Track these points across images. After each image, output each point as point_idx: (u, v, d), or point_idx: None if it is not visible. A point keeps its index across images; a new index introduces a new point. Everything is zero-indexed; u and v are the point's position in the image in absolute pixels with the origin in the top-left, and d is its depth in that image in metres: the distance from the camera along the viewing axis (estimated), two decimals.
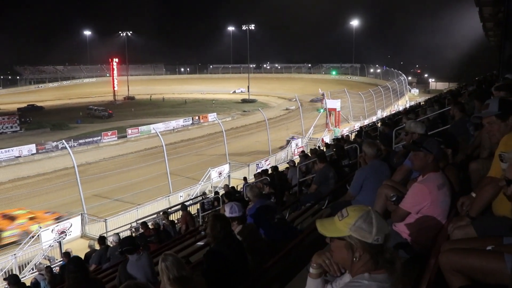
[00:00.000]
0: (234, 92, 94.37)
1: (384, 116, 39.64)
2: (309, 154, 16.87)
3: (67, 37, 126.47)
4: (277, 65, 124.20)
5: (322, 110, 46.33)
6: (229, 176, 26.22)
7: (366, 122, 40.51)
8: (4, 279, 10.52)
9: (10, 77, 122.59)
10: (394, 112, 38.09)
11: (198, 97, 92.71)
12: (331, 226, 2.24)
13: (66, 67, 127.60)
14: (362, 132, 17.23)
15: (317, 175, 9.11)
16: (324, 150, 17.33)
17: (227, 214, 4.92)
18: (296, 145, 33.87)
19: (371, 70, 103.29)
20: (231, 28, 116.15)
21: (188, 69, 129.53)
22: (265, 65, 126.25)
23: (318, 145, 31.39)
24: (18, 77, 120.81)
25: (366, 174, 5.64)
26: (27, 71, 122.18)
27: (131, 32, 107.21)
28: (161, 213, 16.71)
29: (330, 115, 43.66)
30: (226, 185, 19.29)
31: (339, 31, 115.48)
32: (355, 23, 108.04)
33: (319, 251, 2.49)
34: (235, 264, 4.28)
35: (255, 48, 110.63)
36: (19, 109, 71.03)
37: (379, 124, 18.72)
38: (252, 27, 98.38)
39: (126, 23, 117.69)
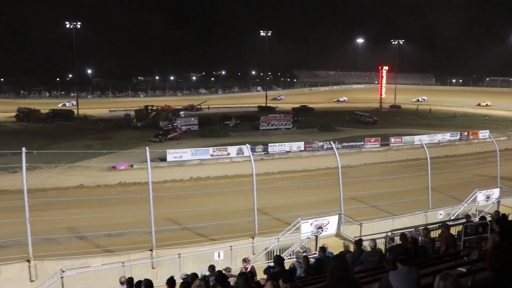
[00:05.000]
0: None
1: None
2: None
3: (341, 44, 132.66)
4: None
5: None
6: (498, 201, 23.55)
7: None
8: (274, 256, 11.61)
9: (288, 79, 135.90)
10: None
11: (469, 111, 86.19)
12: None
13: (337, 73, 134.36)
14: None
15: None
16: None
17: None
18: None
19: None
20: None
21: (460, 80, 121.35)
22: None
23: None
24: (295, 80, 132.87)
25: None
26: (303, 75, 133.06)
27: (403, 40, 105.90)
28: (419, 228, 16.07)
29: None
30: (497, 211, 17.34)
31: None
32: None
33: None
34: None
35: None
36: (293, 108, 78.41)
37: None
38: None
39: (399, 31, 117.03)
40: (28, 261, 14.77)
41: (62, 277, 14.17)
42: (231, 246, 17.02)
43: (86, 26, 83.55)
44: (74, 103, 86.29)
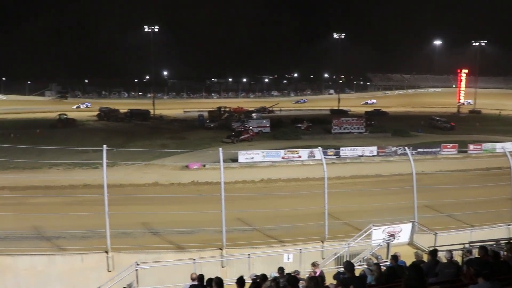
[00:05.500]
0: None
1: None
2: None
3: (417, 46, 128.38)
4: None
5: None
6: None
7: None
8: (345, 262, 11.41)
9: (361, 82, 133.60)
10: None
11: None
12: None
13: (413, 76, 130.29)
14: None
15: None
16: None
17: None
18: None
19: None
20: None
21: None
22: None
23: None
24: (368, 83, 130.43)
25: None
26: (377, 78, 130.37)
27: (485, 41, 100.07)
28: (501, 242, 15.17)
29: None
30: None
31: None
32: None
33: None
34: None
35: None
36: (366, 112, 76.93)
37: None
38: None
39: (480, 32, 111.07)
40: (106, 252, 15.51)
41: (137, 269, 14.77)
42: (300, 249, 16.95)
43: (163, 30, 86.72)
44: (89, 105, 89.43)
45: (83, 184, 29.46)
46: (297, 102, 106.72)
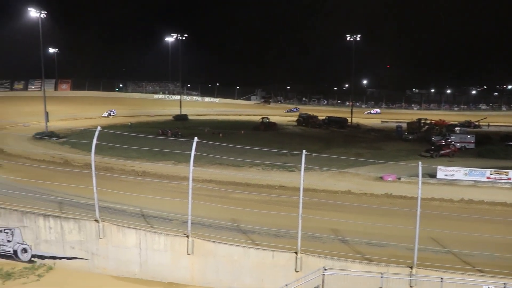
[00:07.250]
0: None
1: None
2: None
3: None
4: None
5: None
6: None
7: None
8: None
9: None
10: None
11: None
12: None
13: None
14: None
15: None
16: None
17: None
18: None
19: None
20: None
21: None
22: None
23: None
24: None
25: None
26: None
27: None
28: None
29: None
30: None
31: None
32: None
33: None
34: None
35: None
36: None
37: None
38: None
39: None
40: (296, 253, 16.04)
41: (324, 274, 14.95)
42: (505, 284, 15.04)
43: (364, 38, 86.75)
44: (115, 112, 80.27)
45: (279, 185, 31.00)
46: (289, 111, 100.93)
